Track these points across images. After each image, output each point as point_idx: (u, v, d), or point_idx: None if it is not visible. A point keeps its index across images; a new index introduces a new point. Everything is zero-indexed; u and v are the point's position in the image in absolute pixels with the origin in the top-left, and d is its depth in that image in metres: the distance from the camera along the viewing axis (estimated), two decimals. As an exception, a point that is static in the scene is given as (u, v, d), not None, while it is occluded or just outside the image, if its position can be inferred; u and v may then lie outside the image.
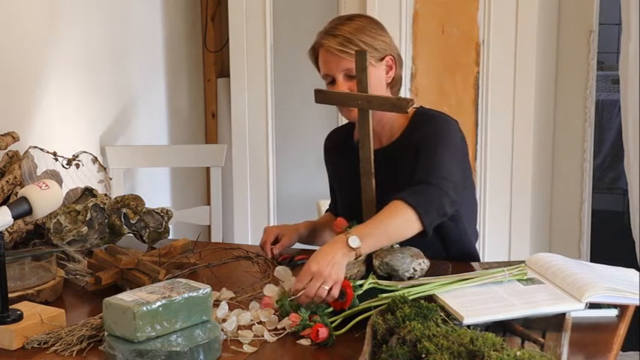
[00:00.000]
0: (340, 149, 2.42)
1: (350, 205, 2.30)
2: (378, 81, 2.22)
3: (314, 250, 2.33)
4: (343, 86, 2.19)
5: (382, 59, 2.23)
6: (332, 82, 2.22)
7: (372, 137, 2.05)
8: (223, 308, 1.84)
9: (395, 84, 2.29)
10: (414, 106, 2.28)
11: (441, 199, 2.06)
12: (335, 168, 2.46)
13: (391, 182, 2.19)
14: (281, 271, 2.04)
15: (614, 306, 1.86)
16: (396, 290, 1.82)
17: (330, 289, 1.85)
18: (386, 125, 2.29)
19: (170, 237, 2.48)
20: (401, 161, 2.24)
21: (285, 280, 1.98)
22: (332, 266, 1.87)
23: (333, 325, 1.77)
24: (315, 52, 2.26)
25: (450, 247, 2.29)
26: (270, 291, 1.93)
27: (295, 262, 2.25)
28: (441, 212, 2.06)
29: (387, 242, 2.01)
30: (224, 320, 1.81)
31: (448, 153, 2.16)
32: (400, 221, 2.00)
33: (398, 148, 2.27)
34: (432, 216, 2.02)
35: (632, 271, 2.00)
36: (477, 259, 2.32)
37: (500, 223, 3.27)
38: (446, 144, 2.18)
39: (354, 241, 1.91)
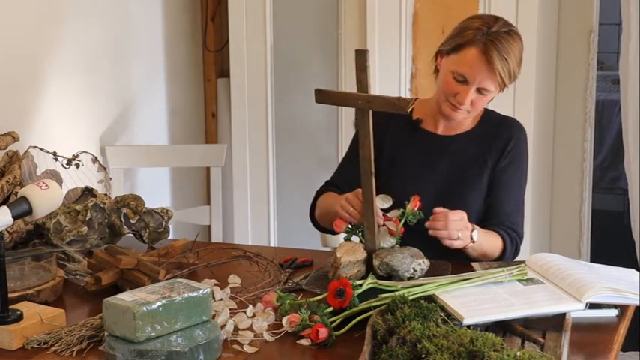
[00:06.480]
0: (391, 124, 2.39)
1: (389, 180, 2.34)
2: (485, 103, 2.31)
3: (316, 252, 2.34)
4: (472, 95, 2.23)
5: (504, 87, 2.28)
6: (463, 81, 2.23)
7: (372, 137, 2.04)
8: (225, 314, 1.84)
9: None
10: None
11: (516, 252, 2.33)
12: (389, 141, 2.40)
13: (448, 166, 2.34)
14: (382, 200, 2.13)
15: (614, 306, 1.86)
16: (396, 290, 1.82)
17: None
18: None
19: (170, 237, 2.49)
20: (465, 150, 2.36)
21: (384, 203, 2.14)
22: (462, 222, 2.13)
23: (333, 325, 1.77)
24: (464, 45, 2.24)
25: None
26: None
27: (297, 264, 2.24)
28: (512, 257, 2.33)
29: (482, 251, 2.23)
30: (223, 326, 1.80)
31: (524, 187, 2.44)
32: (495, 247, 2.27)
33: (465, 140, 2.36)
34: (504, 258, 2.30)
35: (632, 271, 2.00)
36: None
37: (500, 223, 3.26)
38: (525, 176, 2.44)
39: (475, 234, 2.17)
